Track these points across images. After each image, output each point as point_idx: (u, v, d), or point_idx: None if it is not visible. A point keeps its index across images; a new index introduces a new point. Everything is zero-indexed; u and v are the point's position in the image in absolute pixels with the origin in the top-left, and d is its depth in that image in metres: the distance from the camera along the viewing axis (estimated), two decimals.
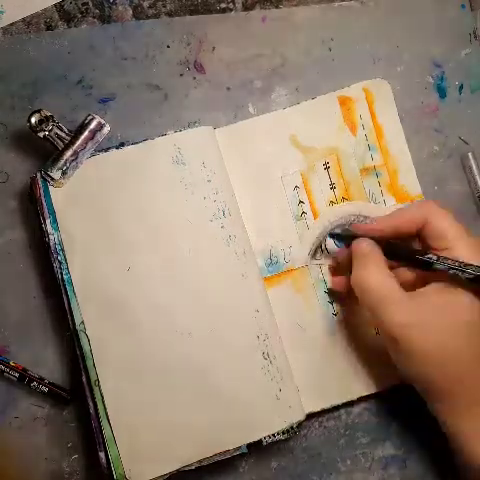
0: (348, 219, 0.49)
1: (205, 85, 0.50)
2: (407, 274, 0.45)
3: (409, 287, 0.42)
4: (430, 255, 0.42)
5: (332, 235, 0.48)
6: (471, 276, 0.40)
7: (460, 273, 0.40)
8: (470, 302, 0.40)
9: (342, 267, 0.47)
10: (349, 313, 0.49)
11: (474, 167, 0.51)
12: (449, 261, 0.41)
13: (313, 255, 0.49)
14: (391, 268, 0.44)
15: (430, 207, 0.43)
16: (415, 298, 0.41)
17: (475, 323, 0.40)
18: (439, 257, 0.41)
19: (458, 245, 0.42)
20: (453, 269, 0.40)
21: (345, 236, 0.47)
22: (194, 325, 0.45)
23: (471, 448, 0.42)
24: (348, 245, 0.46)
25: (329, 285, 0.48)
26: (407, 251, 0.44)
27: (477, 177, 0.51)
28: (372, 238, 0.44)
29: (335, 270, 0.49)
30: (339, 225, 0.49)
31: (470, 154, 0.51)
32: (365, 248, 0.44)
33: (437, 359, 0.40)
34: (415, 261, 0.43)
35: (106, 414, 0.44)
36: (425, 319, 0.40)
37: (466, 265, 0.40)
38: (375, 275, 0.42)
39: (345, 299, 0.48)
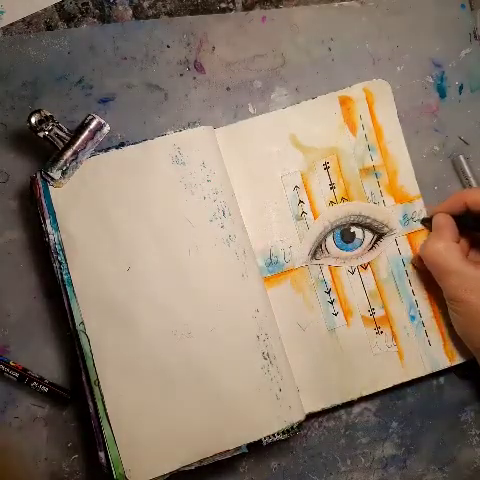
0: (348, 219, 0.49)
1: (205, 85, 0.50)
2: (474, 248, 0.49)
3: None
4: None
5: (424, 220, 0.50)
6: None
7: None
8: None
9: None
10: (349, 312, 0.49)
11: (467, 169, 0.51)
12: None
13: (313, 255, 0.49)
14: (468, 241, 0.48)
15: None
16: (476, 267, 0.45)
17: None
18: None
19: None
20: None
21: (428, 219, 0.50)
22: (194, 325, 0.45)
23: None
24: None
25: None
26: (474, 219, 0.47)
27: (471, 179, 0.51)
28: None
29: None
30: (339, 225, 0.49)
31: (461, 156, 0.51)
32: (437, 221, 0.48)
33: None
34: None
35: (106, 414, 0.44)
36: None
37: None
38: (441, 245, 0.46)
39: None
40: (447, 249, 0.46)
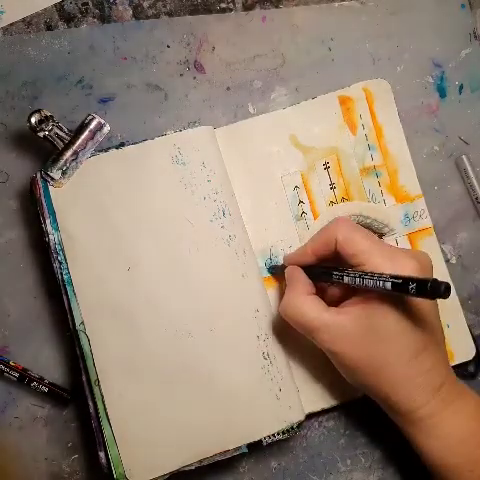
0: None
1: (205, 85, 0.50)
2: (338, 291, 0.45)
3: (339, 303, 0.44)
4: (340, 271, 0.42)
5: (270, 269, 0.48)
6: (372, 285, 0.39)
7: (363, 283, 0.40)
8: (390, 311, 0.41)
9: None
10: None
11: (469, 170, 0.51)
12: (353, 273, 0.41)
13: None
14: (323, 288, 0.45)
15: (336, 228, 0.43)
16: (340, 314, 0.42)
17: (398, 331, 0.41)
18: (347, 271, 0.42)
19: (371, 258, 0.41)
20: (358, 280, 0.40)
21: (282, 267, 0.48)
22: (194, 325, 0.45)
23: (422, 453, 0.44)
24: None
25: None
26: (321, 271, 0.45)
27: (473, 179, 0.51)
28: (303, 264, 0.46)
29: None
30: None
31: (464, 157, 0.51)
32: (289, 275, 0.46)
33: (371, 368, 0.42)
34: (334, 279, 0.43)
35: (106, 414, 0.44)
36: (351, 331, 0.41)
37: (369, 275, 0.40)
38: (296, 300, 0.44)
39: None
40: (304, 303, 0.43)
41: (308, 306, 0.43)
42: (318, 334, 0.42)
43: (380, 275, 0.39)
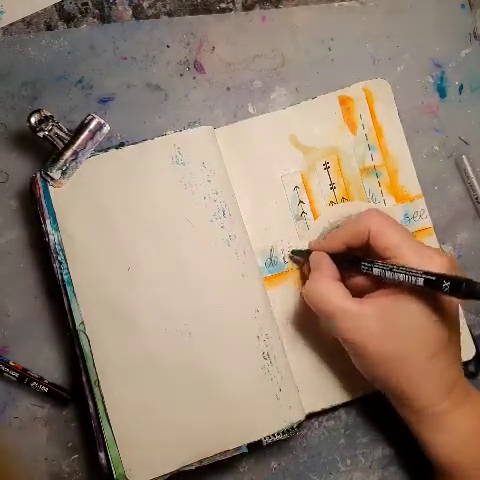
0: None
1: (205, 85, 0.50)
2: (363, 282, 0.44)
3: (364, 294, 0.43)
4: (370, 262, 0.42)
5: (293, 252, 0.48)
6: (404, 279, 0.39)
7: (395, 276, 0.40)
8: (416, 306, 0.41)
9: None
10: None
11: (469, 170, 0.51)
12: (385, 266, 0.41)
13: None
14: (348, 277, 0.45)
15: (370, 219, 0.43)
16: (364, 304, 0.42)
17: (422, 327, 0.41)
18: (378, 263, 0.41)
19: (404, 253, 0.41)
20: (389, 273, 0.40)
21: (305, 251, 0.48)
22: (194, 325, 0.45)
23: (430, 450, 0.44)
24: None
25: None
26: (349, 260, 0.44)
27: (473, 180, 0.51)
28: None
29: None
30: (339, 225, 0.49)
31: (464, 157, 0.51)
32: (315, 260, 0.45)
33: (390, 361, 0.42)
34: (361, 270, 0.43)
35: (106, 414, 0.44)
36: (374, 323, 0.41)
37: (401, 268, 0.40)
38: (323, 286, 0.43)
39: None
40: (329, 289, 0.43)
41: (333, 291, 0.43)
42: (340, 321, 0.42)
43: (413, 270, 0.39)
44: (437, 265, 0.40)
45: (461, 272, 0.42)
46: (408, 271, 0.39)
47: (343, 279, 0.45)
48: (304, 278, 0.48)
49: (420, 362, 0.41)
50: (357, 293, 0.43)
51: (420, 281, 0.38)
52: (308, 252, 0.47)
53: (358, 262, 0.43)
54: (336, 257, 0.45)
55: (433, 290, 0.38)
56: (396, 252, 0.42)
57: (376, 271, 0.41)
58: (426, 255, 0.41)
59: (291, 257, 0.48)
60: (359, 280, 0.44)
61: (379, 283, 0.43)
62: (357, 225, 0.44)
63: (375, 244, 0.43)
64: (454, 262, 0.42)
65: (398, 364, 0.42)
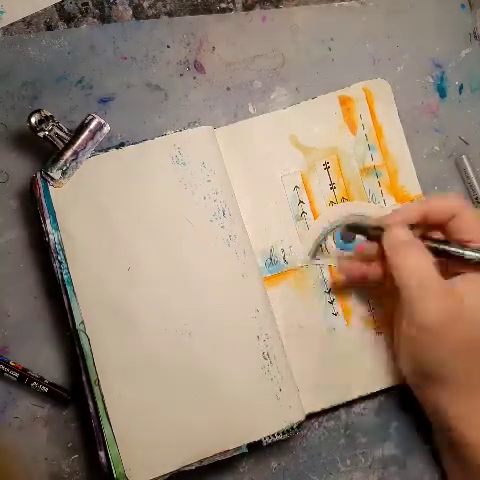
0: (348, 219, 0.49)
1: (205, 85, 0.50)
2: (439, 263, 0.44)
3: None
4: (463, 247, 0.42)
5: (349, 227, 0.46)
6: None
7: None
8: None
9: (367, 259, 0.46)
10: (349, 313, 0.49)
11: (469, 170, 0.51)
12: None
13: (313, 255, 0.49)
14: None
15: (458, 200, 0.44)
16: (454, 285, 0.41)
17: None
18: (473, 248, 0.41)
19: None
20: None
21: (365, 228, 0.45)
22: (194, 325, 0.45)
23: (471, 440, 0.43)
24: (369, 237, 0.45)
25: (344, 278, 0.48)
26: (440, 242, 0.43)
27: (473, 179, 0.51)
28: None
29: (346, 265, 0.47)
30: (339, 225, 0.49)
31: (464, 157, 0.51)
32: (403, 235, 0.43)
33: (465, 348, 0.41)
34: (447, 252, 0.42)
35: (106, 414, 0.44)
36: (460, 308, 0.41)
37: None
38: (419, 260, 0.42)
39: (346, 299, 0.48)
40: (430, 266, 0.41)
41: (431, 268, 0.41)
42: (429, 299, 0.41)
43: None
44: None
45: None
46: None
47: None
48: (301, 278, 0.48)
49: None
50: None
51: None
52: (373, 228, 0.44)
53: (442, 244, 0.42)
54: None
55: None
56: (477, 237, 0.42)
57: (469, 254, 0.41)
58: None
59: (350, 232, 0.47)
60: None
61: (456, 267, 0.42)
62: (445, 202, 0.44)
63: (457, 226, 0.42)
64: None
65: (474, 352, 0.41)
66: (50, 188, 0.46)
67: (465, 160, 0.51)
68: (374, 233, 0.44)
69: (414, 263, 0.42)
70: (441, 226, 0.44)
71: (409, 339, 0.43)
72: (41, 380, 0.47)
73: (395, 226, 0.43)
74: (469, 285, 0.42)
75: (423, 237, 0.43)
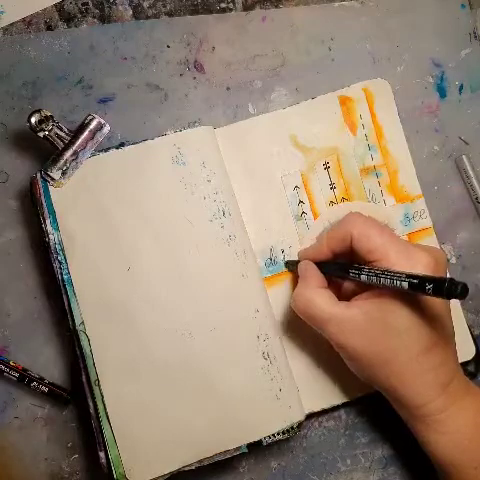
0: None
1: (205, 85, 0.50)
2: (353, 287, 0.45)
3: (352, 297, 0.44)
4: (357, 269, 0.42)
5: (287, 263, 0.48)
6: (389, 284, 0.40)
7: (381, 282, 0.40)
8: (403, 308, 0.41)
9: None
10: None
11: (469, 169, 0.51)
12: (371, 272, 0.41)
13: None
14: (338, 283, 0.46)
15: (351, 223, 0.43)
16: (351, 307, 0.42)
17: (409, 327, 0.41)
18: (365, 269, 0.41)
19: (387, 254, 0.41)
20: (375, 279, 0.40)
21: (296, 262, 0.48)
22: (194, 325, 0.45)
23: (429, 449, 0.44)
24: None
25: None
26: (337, 267, 0.45)
27: (473, 179, 0.51)
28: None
29: None
30: None
31: (464, 157, 0.51)
32: (301, 269, 0.46)
33: (381, 363, 0.42)
34: (346, 275, 0.43)
35: (106, 414, 0.44)
36: (362, 325, 0.42)
37: (386, 273, 0.40)
38: (308, 293, 0.44)
39: None
40: (315, 296, 0.43)
41: (319, 299, 0.43)
42: (328, 327, 0.43)
43: (397, 274, 0.39)
44: (422, 263, 0.41)
45: (446, 269, 0.43)
46: (392, 276, 0.39)
47: (334, 285, 0.45)
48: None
49: (410, 361, 0.41)
50: (348, 297, 0.44)
51: (405, 285, 0.39)
52: (298, 262, 0.47)
53: (346, 270, 0.43)
54: (324, 265, 0.45)
55: (418, 292, 0.39)
56: (380, 254, 0.42)
57: (363, 278, 0.41)
58: (410, 255, 0.41)
59: (289, 269, 0.49)
60: (349, 285, 0.45)
61: (367, 286, 0.43)
62: (339, 230, 0.44)
63: (358, 248, 0.43)
64: (442, 259, 0.43)
65: (388, 364, 0.42)
66: (50, 188, 0.46)
67: (465, 160, 0.51)
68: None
69: (304, 295, 0.44)
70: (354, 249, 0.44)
71: (345, 361, 0.45)
72: (41, 380, 0.47)
73: (302, 261, 0.47)
74: (362, 304, 0.42)
75: (331, 266, 0.45)
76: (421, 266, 0.40)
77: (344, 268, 0.44)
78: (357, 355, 0.42)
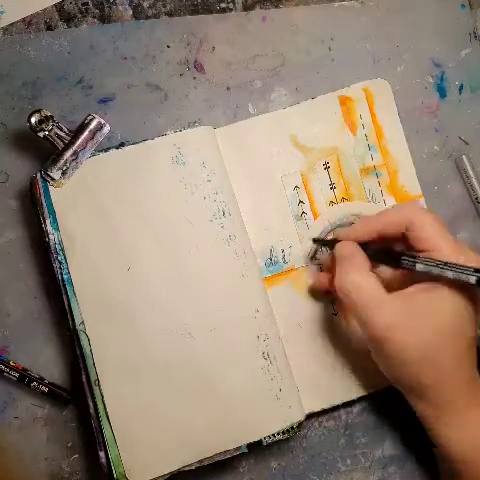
0: (348, 219, 0.49)
1: (205, 85, 0.50)
2: (392, 275, 0.44)
3: (394, 288, 0.42)
4: (412, 257, 0.41)
5: (315, 240, 0.48)
6: (453, 277, 0.39)
7: (443, 274, 0.40)
8: (452, 303, 0.40)
9: (327, 271, 0.48)
10: (349, 313, 0.49)
11: (469, 169, 0.51)
12: (432, 262, 0.40)
13: (313, 255, 0.49)
14: (375, 269, 0.44)
15: (413, 209, 0.43)
16: (398, 299, 0.41)
17: (456, 324, 0.41)
18: (422, 258, 0.41)
19: (441, 246, 0.41)
20: (435, 270, 0.40)
21: (329, 241, 0.47)
22: (194, 325, 0.45)
23: (445, 446, 0.43)
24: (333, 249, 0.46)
25: (311, 283, 0.48)
26: (390, 253, 0.43)
27: (473, 179, 0.51)
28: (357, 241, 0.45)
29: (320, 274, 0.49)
30: (339, 225, 0.49)
31: (464, 157, 0.51)
32: (347, 250, 0.44)
33: (418, 359, 0.41)
34: (398, 263, 0.42)
35: (106, 414, 0.44)
36: (407, 320, 0.41)
37: (450, 265, 0.39)
38: (357, 277, 0.42)
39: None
40: (364, 281, 0.42)
41: (368, 284, 0.42)
42: (372, 315, 0.41)
43: (463, 267, 0.39)
44: (475, 262, 0.40)
45: None
46: (458, 268, 0.38)
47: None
48: (301, 278, 0.48)
49: (454, 358, 0.41)
50: (385, 287, 0.42)
51: (472, 279, 0.38)
52: (334, 241, 0.45)
53: (396, 256, 0.42)
54: (371, 248, 0.44)
55: None
56: (432, 245, 0.41)
57: (420, 267, 0.40)
58: (462, 251, 0.41)
59: (315, 243, 0.48)
60: (389, 274, 0.44)
61: (409, 278, 0.42)
62: (399, 213, 0.43)
63: (415, 235, 0.42)
64: None
65: (425, 361, 0.41)
66: (50, 188, 0.46)
67: (465, 160, 0.51)
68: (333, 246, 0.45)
69: (355, 280, 0.42)
70: (403, 237, 0.43)
71: (373, 356, 0.44)
72: (41, 380, 0.47)
73: (344, 242, 0.44)
74: (409, 298, 0.41)
75: (379, 251, 0.44)
76: (475, 263, 0.40)
77: (394, 254, 0.42)
78: (393, 349, 0.41)
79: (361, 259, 0.43)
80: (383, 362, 0.43)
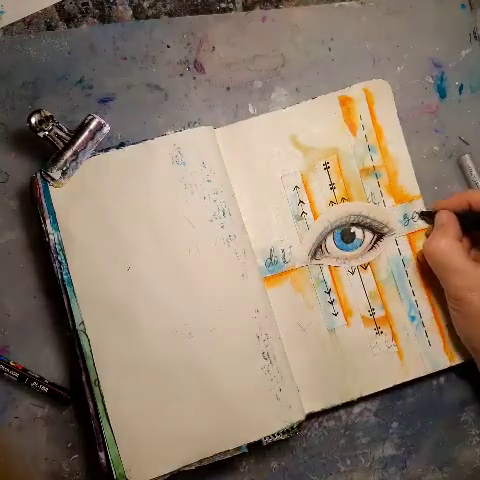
0: (348, 219, 0.49)
1: (205, 85, 0.50)
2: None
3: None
4: None
5: (422, 214, 0.50)
6: None
7: None
8: None
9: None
10: (349, 313, 0.49)
11: (473, 168, 0.51)
12: None
13: (313, 255, 0.49)
14: (469, 240, 0.49)
15: None
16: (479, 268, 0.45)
17: None
18: None
19: None
20: None
21: (432, 213, 0.49)
22: (194, 325, 0.45)
23: None
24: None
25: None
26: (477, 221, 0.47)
27: (477, 178, 0.51)
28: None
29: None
30: (339, 225, 0.49)
31: (467, 156, 0.51)
32: (443, 219, 0.48)
33: None
34: None
35: (106, 414, 0.44)
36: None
37: None
38: (446, 241, 0.46)
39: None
40: (451, 247, 0.46)
41: (454, 249, 0.46)
42: (454, 278, 0.45)
43: None
44: None
45: None
46: None
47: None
48: (301, 278, 0.48)
49: None
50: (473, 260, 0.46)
51: None
52: (434, 213, 0.49)
53: None
54: (467, 217, 0.48)
55: None
56: None
57: None
58: None
59: (422, 218, 0.50)
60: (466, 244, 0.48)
61: None
62: None
63: None
64: None
65: None
66: (50, 188, 0.46)
67: (468, 159, 0.51)
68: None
69: (443, 244, 0.46)
70: None
71: (451, 314, 0.47)
72: (41, 380, 0.47)
73: (441, 210, 0.49)
74: None
75: (471, 216, 0.48)
76: None
77: None
78: (473, 311, 0.45)
79: (453, 227, 0.47)
80: (460, 322, 0.47)
